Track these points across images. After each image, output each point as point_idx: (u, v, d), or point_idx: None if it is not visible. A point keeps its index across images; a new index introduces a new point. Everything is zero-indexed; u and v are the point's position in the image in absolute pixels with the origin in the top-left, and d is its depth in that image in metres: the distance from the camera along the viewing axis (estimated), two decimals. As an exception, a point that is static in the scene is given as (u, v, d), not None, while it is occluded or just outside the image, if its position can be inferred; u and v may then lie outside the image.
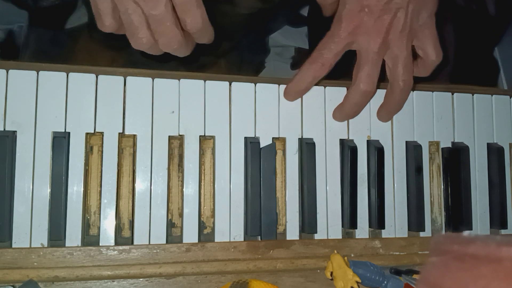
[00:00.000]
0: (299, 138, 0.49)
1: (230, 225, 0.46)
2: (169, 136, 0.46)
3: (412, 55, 0.48)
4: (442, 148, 0.53)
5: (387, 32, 0.46)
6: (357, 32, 0.46)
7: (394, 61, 0.47)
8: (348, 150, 0.49)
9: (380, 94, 0.50)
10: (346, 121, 0.51)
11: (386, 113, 0.51)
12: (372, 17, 0.45)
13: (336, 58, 0.46)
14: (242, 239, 0.46)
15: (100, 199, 0.44)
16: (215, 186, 0.46)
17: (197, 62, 0.78)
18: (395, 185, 0.51)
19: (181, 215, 0.46)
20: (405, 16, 0.46)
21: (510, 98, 0.56)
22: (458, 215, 0.52)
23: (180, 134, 0.46)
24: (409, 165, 0.51)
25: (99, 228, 0.44)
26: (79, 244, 0.43)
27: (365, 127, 0.51)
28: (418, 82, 0.51)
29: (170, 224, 0.46)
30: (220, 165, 0.47)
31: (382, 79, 0.49)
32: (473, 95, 0.55)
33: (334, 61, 0.46)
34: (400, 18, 0.46)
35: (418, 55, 0.50)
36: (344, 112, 0.49)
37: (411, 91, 0.52)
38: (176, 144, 0.47)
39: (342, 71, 0.49)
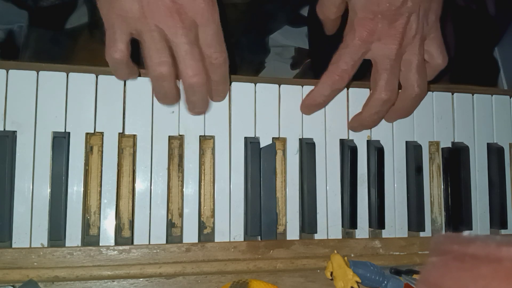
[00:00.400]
0: (299, 138, 0.49)
1: (230, 225, 0.46)
2: (169, 136, 0.46)
3: None
4: (442, 148, 0.53)
5: (402, 37, 0.45)
6: (372, 40, 0.45)
7: (408, 66, 0.46)
8: (348, 150, 0.49)
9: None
10: (346, 121, 0.51)
11: (395, 116, 0.50)
12: (386, 23, 0.44)
13: (354, 69, 0.45)
14: (242, 239, 0.46)
15: (100, 199, 0.44)
16: (215, 186, 0.46)
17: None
18: (395, 185, 0.51)
19: (181, 215, 0.46)
20: (417, 20, 0.45)
21: (510, 98, 0.56)
22: (458, 215, 0.52)
23: (180, 134, 0.46)
24: (409, 165, 0.51)
25: (99, 228, 0.44)
26: (79, 244, 0.43)
27: (365, 127, 0.51)
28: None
29: (170, 224, 0.46)
30: (220, 165, 0.47)
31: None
32: (473, 95, 0.55)
33: (353, 72, 0.45)
34: (412, 23, 0.45)
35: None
36: (365, 122, 0.49)
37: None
38: (176, 144, 0.47)
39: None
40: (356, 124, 0.49)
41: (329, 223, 0.49)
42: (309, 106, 0.48)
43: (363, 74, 0.48)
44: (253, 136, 0.48)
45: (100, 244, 0.43)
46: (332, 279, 0.43)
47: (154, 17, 0.39)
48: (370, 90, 0.49)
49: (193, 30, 0.40)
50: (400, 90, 0.48)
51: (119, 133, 0.45)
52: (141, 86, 0.46)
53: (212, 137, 0.47)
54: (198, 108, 0.45)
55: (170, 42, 0.40)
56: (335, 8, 0.48)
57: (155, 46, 0.40)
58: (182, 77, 0.42)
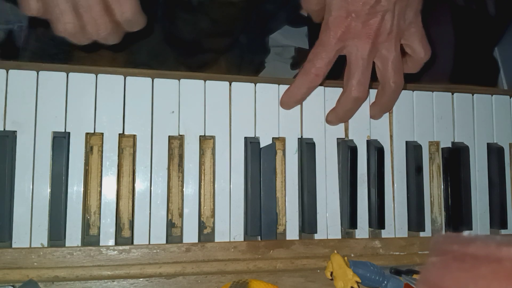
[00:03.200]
0: (299, 138, 0.49)
1: (230, 225, 0.46)
2: (169, 136, 0.46)
3: (402, 53, 0.48)
4: (442, 148, 0.53)
5: (376, 36, 0.46)
6: (346, 37, 0.45)
7: (383, 63, 0.47)
8: (348, 150, 0.49)
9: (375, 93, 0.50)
10: (346, 121, 0.51)
11: (378, 111, 0.51)
12: (360, 22, 0.45)
13: (329, 67, 0.46)
14: (242, 239, 0.46)
15: (100, 199, 0.44)
16: (215, 186, 0.46)
17: (197, 62, 0.78)
18: (395, 185, 0.51)
19: (181, 215, 0.46)
20: (392, 18, 0.46)
21: (510, 98, 0.56)
22: (458, 215, 0.52)
23: (180, 134, 0.46)
24: (409, 165, 0.51)
25: (99, 228, 0.44)
26: (79, 244, 0.43)
27: (364, 127, 0.51)
28: (418, 82, 0.51)
29: (170, 224, 0.46)
30: (220, 165, 0.47)
31: (374, 79, 0.49)
32: (473, 95, 0.55)
33: (327, 70, 0.46)
34: (387, 21, 0.46)
35: (406, 53, 0.50)
36: (338, 117, 0.50)
37: (412, 91, 0.53)
38: (176, 144, 0.47)
39: (342, 71, 0.48)
40: (331, 118, 0.50)
41: (329, 223, 0.49)
42: (287, 103, 0.49)
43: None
44: (253, 136, 0.48)
45: (100, 244, 0.43)
46: (332, 279, 0.43)
47: None
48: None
49: None
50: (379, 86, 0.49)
51: (119, 133, 0.45)
52: (141, 86, 0.46)
53: (212, 137, 0.47)
54: (94, 26, 0.42)
55: None
56: (316, 0, 0.49)
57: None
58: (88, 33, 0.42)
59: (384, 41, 0.46)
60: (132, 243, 0.44)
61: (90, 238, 0.44)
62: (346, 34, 0.45)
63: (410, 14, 0.47)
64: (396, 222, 0.50)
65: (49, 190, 0.43)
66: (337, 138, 0.50)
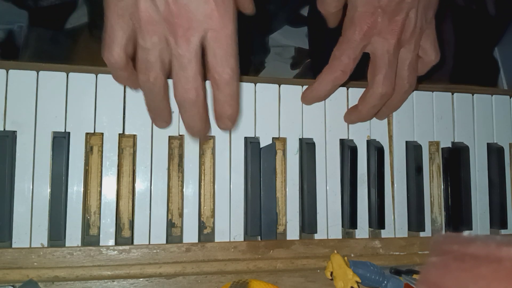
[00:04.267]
0: (299, 138, 0.49)
1: (230, 225, 0.46)
2: (169, 136, 0.46)
3: None
4: (442, 148, 0.53)
5: (401, 32, 0.45)
6: (371, 34, 0.45)
7: (402, 62, 0.47)
8: (348, 150, 0.49)
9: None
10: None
11: (385, 111, 0.51)
12: (386, 18, 0.44)
13: (355, 63, 0.46)
14: (242, 239, 0.46)
15: (100, 199, 0.44)
16: (215, 186, 0.46)
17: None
18: (395, 185, 0.51)
19: (181, 215, 0.46)
20: (415, 16, 0.45)
21: (510, 98, 0.56)
22: (458, 215, 0.52)
23: (180, 134, 0.46)
24: (409, 165, 0.51)
25: (99, 228, 0.44)
26: (79, 244, 0.43)
27: (365, 127, 0.51)
28: (418, 82, 0.51)
29: (170, 224, 0.46)
30: (220, 165, 0.47)
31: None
32: (473, 95, 0.55)
33: (354, 66, 0.46)
34: (411, 18, 0.45)
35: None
36: (361, 115, 0.49)
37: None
38: (176, 144, 0.47)
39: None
40: (352, 117, 0.50)
41: (329, 223, 0.48)
42: (309, 98, 0.49)
43: (362, 73, 0.48)
44: (253, 136, 0.48)
45: (100, 244, 0.43)
46: (332, 279, 0.43)
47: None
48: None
49: (197, 37, 0.36)
50: None
51: (119, 133, 0.45)
52: (141, 86, 0.46)
53: (212, 137, 0.47)
54: (194, 128, 0.40)
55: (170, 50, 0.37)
56: (335, 2, 0.49)
57: (148, 55, 0.37)
58: (174, 91, 0.38)
59: (408, 39, 0.46)
60: (132, 243, 0.44)
61: (90, 238, 0.44)
62: (372, 30, 0.45)
63: (430, 14, 0.47)
64: (396, 222, 0.50)
65: (49, 190, 0.43)
66: (338, 139, 0.50)
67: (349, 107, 0.51)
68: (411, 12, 0.45)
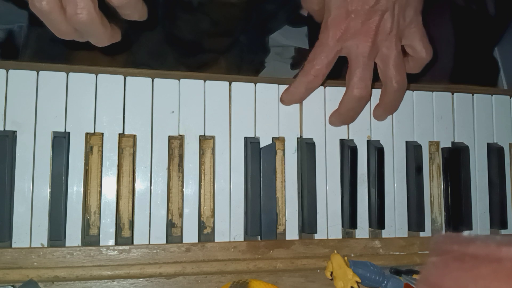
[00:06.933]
0: (299, 138, 0.49)
1: (230, 225, 0.46)
2: (169, 136, 0.46)
3: (403, 53, 0.48)
4: (442, 148, 0.53)
5: (376, 34, 0.45)
6: (346, 38, 0.45)
7: (384, 62, 0.47)
8: (348, 150, 0.49)
9: (379, 93, 0.50)
10: (349, 123, 0.51)
11: (382, 112, 0.51)
12: (359, 21, 0.45)
13: (329, 68, 0.46)
14: (242, 239, 0.46)
15: (100, 199, 0.44)
16: (215, 186, 0.46)
17: (197, 62, 0.78)
18: (395, 185, 0.51)
19: (181, 215, 0.46)
20: (391, 18, 0.46)
21: (510, 98, 0.56)
22: (458, 215, 0.52)
23: (180, 134, 0.46)
24: (409, 165, 0.51)
25: (99, 228, 0.44)
26: (79, 244, 0.43)
27: (365, 127, 0.51)
28: (418, 82, 0.51)
29: (170, 224, 0.46)
30: (220, 165, 0.47)
31: (377, 79, 0.49)
32: (473, 95, 0.55)
33: (327, 71, 0.46)
34: (387, 20, 0.46)
35: (408, 53, 0.50)
36: (341, 118, 0.49)
37: (412, 91, 0.53)
38: (176, 144, 0.47)
39: (342, 71, 0.48)
40: (334, 119, 0.50)
41: (329, 223, 0.49)
42: (287, 101, 0.49)
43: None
44: (253, 136, 0.48)
45: (100, 244, 0.43)
46: (332, 279, 0.43)
47: None
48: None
49: None
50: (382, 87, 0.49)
51: (119, 133, 0.45)
52: (141, 86, 0.46)
53: (212, 137, 0.47)
54: (103, 41, 0.40)
55: None
56: (316, 0, 0.49)
57: None
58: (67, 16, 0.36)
59: (384, 40, 0.46)
60: (132, 243, 0.44)
61: (90, 238, 0.44)
62: (345, 34, 0.45)
63: (410, 13, 0.47)
64: (396, 222, 0.50)
65: (49, 190, 0.43)
66: (338, 138, 0.50)
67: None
68: (386, 15, 0.45)
